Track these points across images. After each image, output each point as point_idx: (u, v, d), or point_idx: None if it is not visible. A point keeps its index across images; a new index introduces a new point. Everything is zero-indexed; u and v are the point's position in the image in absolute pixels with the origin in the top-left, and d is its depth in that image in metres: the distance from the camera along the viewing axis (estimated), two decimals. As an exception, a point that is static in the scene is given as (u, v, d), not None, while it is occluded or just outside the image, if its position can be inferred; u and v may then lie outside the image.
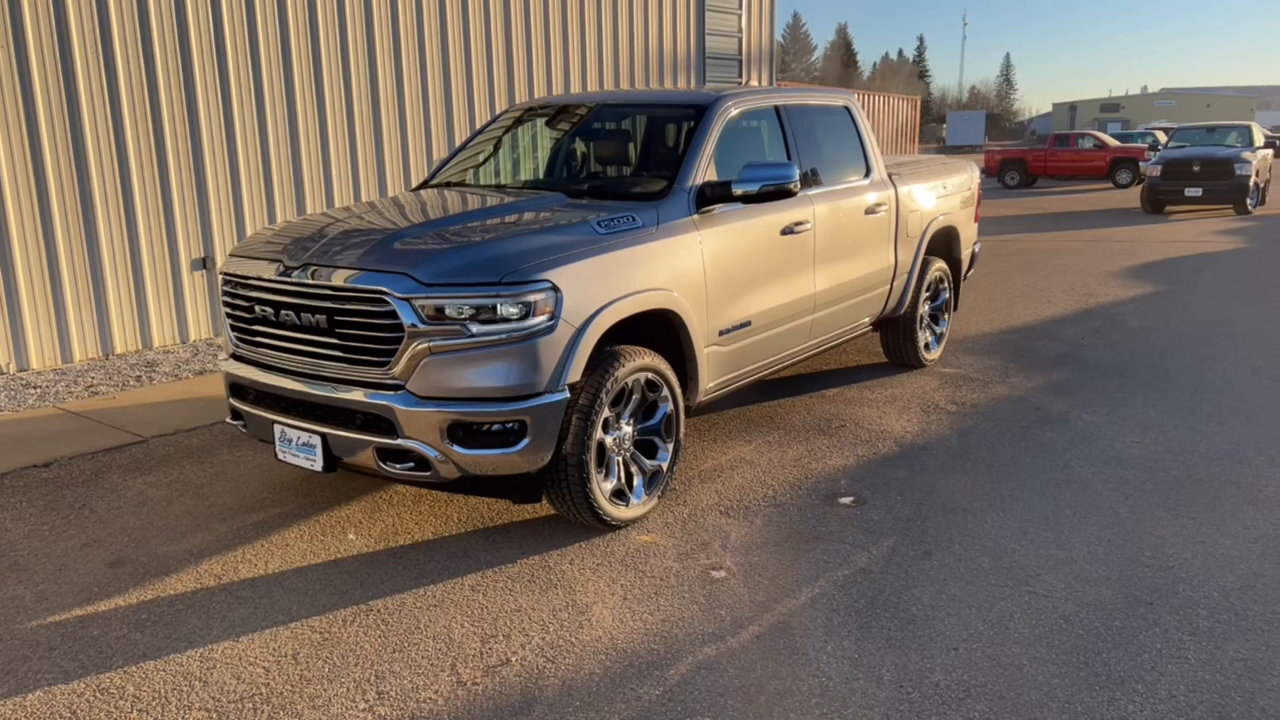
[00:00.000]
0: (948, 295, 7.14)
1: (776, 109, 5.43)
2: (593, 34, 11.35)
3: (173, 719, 2.94)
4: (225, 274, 4.31)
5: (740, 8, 13.52)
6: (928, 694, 3.01)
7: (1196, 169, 17.91)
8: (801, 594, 3.64)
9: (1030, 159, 28.31)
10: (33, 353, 7.02)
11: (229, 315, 4.33)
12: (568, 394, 3.82)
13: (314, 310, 3.86)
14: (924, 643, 3.30)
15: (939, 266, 6.88)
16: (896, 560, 3.91)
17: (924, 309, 6.80)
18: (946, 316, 7.18)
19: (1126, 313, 8.85)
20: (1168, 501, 4.48)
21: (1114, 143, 28.24)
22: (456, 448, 3.70)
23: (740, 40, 13.65)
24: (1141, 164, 24.85)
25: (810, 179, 5.46)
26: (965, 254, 7.38)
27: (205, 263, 7.97)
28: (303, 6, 8.35)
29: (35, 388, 6.58)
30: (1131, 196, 22.23)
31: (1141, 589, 3.65)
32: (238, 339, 4.31)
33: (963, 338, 7.82)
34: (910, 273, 6.51)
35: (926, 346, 6.91)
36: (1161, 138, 30.04)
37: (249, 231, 8.16)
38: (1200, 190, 17.81)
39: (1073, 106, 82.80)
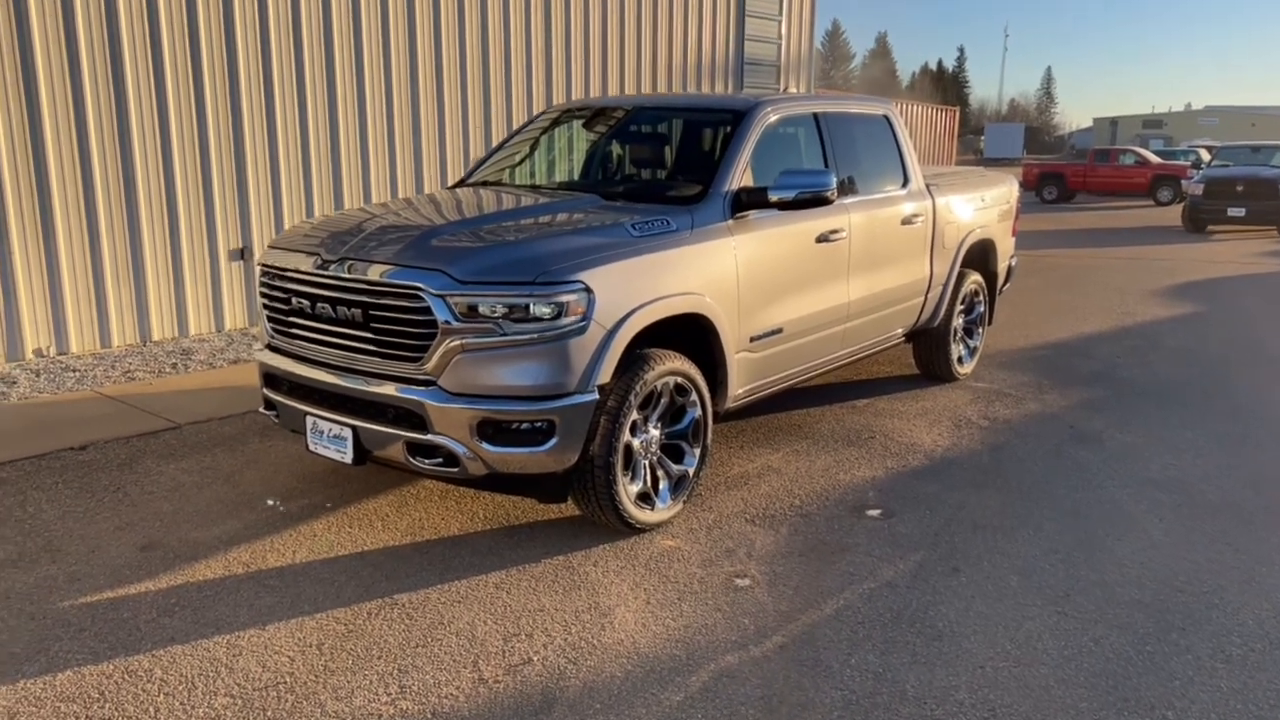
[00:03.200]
0: (983, 309, 7.07)
1: (815, 116, 5.41)
2: (631, 37, 11.37)
3: (198, 704, 2.97)
4: (263, 265, 4.36)
5: (780, 14, 13.49)
6: (952, 712, 2.97)
7: (1240, 188, 17.63)
8: (826, 605, 3.62)
9: (1069, 173, 27.98)
10: (73, 337, 7.13)
11: (265, 306, 4.38)
12: (597, 395, 3.82)
13: (349, 304, 3.89)
14: (950, 660, 3.26)
15: (974, 279, 6.81)
16: (923, 575, 3.88)
17: (958, 322, 6.74)
18: (981, 330, 7.11)
19: (1165, 332, 8.72)
20: (1203, 526, 4.40)
21: (1156, 159, 27.87)
22: (485, 445, 3.71)
23: (779, 47, 13.61)
24: (1184, 182, 24.47)
25: (847, 187, 5.43)
26: (1001, 267, 7.30)
27: (243, 253, 8.06)
28: (348, 3, 8.43)
29: (74, 371, 6.69)
30: (1172, 214, 21.90)
31: (1174, 614, 3.59)
32: (273, 330, 4.35)
33: (997, 352, 7.73)
34: (945, 285, 6.45)
35: (960, 360, 6.85)
36: (1205, 156, 29.56)
37: (287, 224, 8.24)
38: (1243, 210, 17.53)
39: (1114, 122, 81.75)
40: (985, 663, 3.24)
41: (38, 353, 6.98)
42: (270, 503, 4.11)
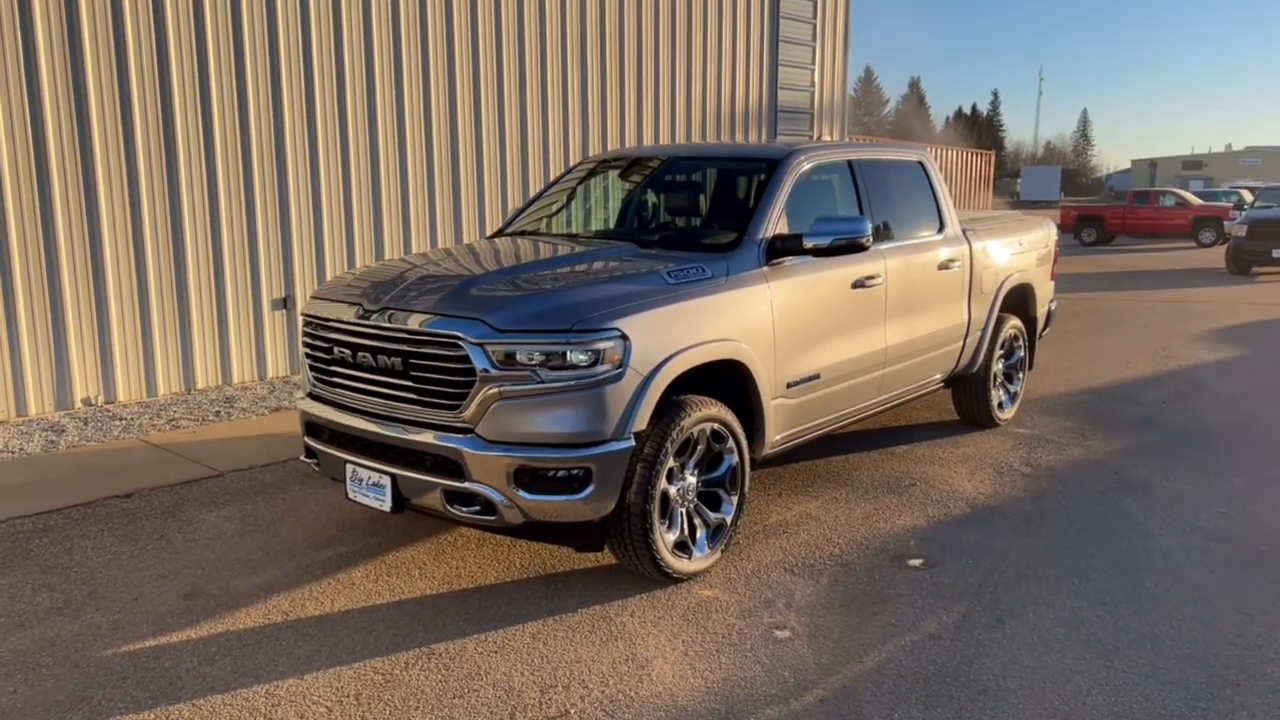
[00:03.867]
0: (1023, 353, 6.99)
1: (849, 163, 5.43)
2: (666, 87, 11.53)
3: (236, 754, 2.97)
4: (306, 315, 4.44)
5: (813, 63, 13.63)
6: (999, 769, 2.89)
7: (1285, 229, 17.34)
8: (868, 658, 3.55)
9: (1108, 216, 27.74)
10: (120, 386, 7.29)
11: (308, 355, 4.45)
12: (633, 442, 3.82)
13: (390, 353, 3.95)
14: (995, 716, 3.18)
15: (1014, 324, 6.75)
16: (967, 627, 3.80)
17: (998, 367, 6.67)
18: (1021, 375, 7.03)
19: (1210, 376, 8.55)
20: (1255, 576, 4.28)
21: (1196, 201, 27.54)
22: (522, 492, 3.72)
23: (812, 95, 13.73)
24: (1226, 223, 24.14)
25: (882, 233, 5.43)
26: (1041, 312, 7.23)
27: (286, 302, 8.22)
28: (389, 59, 8.66)
29: (120, 419, 6.82)
30: (1214, 256, 21.58)
31: (1228, 669, 3.48)
32: (315, 378, 4.42)
33: (1038, 397, 7.63)
34: (984, 330, 6.40)
35: (1000, 405, 6.76)
36: (1247, 197, 29.20)
37: (329, 273, 8.40)
38: (1289, 252, 17.22)
39: (1153, 163, 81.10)
40: (1033, 719, 3.16)
41: (86, 401, 7.14)
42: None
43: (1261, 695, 3.30)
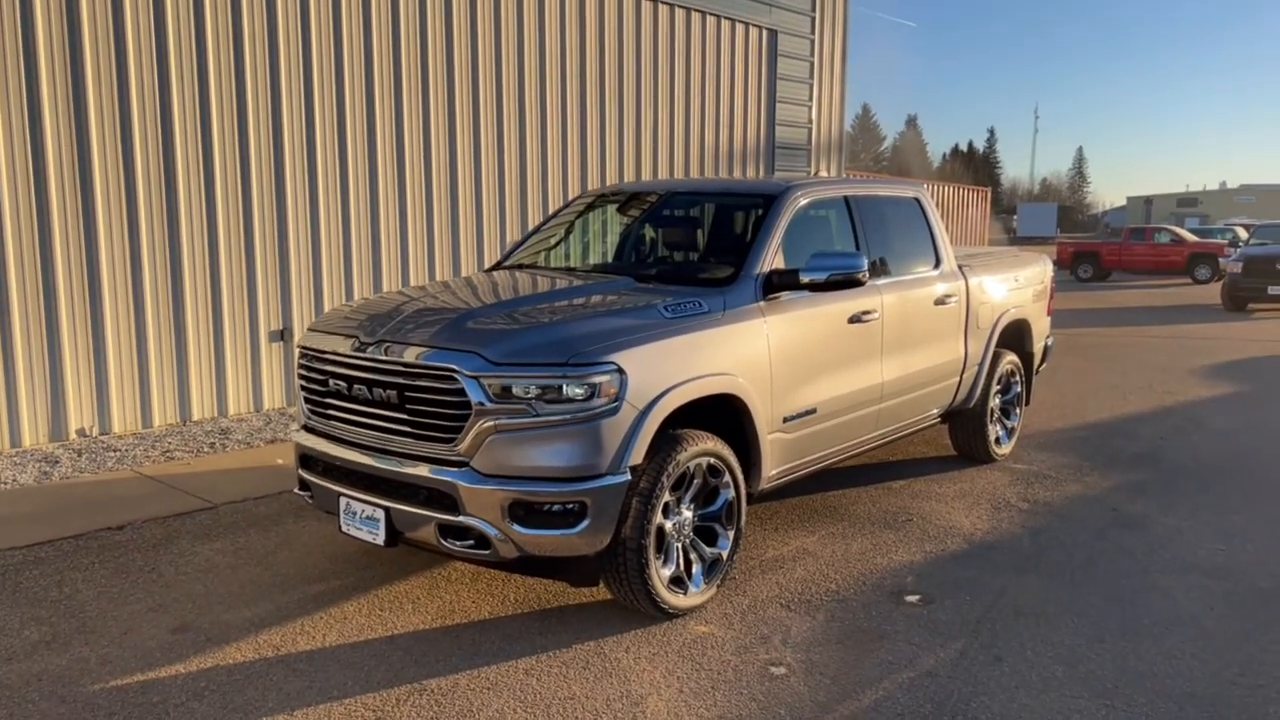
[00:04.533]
0: (1019, 389, 6.99)
1: (846, 199, 5.47)
2: (665, 124, 11.64)
3: (223, 792, 2.92)
4: (302, 347, 4.44)
5: (811, 100, 13.76)
6: (998, 810, 2.85)
7: (1280, 267, 17.44)
8: (865, 695, 3.51)
9: (1104, 252, 27.89)
10: (115, 417, 7.27)
11: (303, 387, 4.44)
12: (629, 476, 3.80)
13: (385, 385, 3.94)
14: (994, 754, 3.14)
15: (1010, 359, 6.76)
16: (965, 664, 3.76)
17: (995, 402, 6.66)
18: (1018, 410, 7.02)
19: (1208, 413, 8.55)
20: (1255, 614, 4.25)
21: (1192, 238, 27.71)
22: (517, 527, 3.70)
23: (810, 131, 13.86)
24: (1222, 260, 24.29)
25: (879, 268, 5.45)
26: (1038, 347, 7.25)
27: (283, 334, 8.22)
28: (389, 92, 8.75)
29: (115, 450, 6.79)
30: (1210, 293, 21.67)
31: (1229, 708, 3.44)
32: (310, 411, 4.41)
33: (1035, 433, 7.62)
34: (981, 365, 6.40)
35: (997, 441, 6.75)
36: (1242, 234, 29.37)
37: (327, 306, 8.42)
38: (1285, 289, 17.31)
39: (1148, 200, 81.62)
40: (1032, 758, 3.12)
41: (80, 432, 7.11)
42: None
43: (1263, 736, 3.26)
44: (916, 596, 4.42)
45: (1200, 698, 3.51)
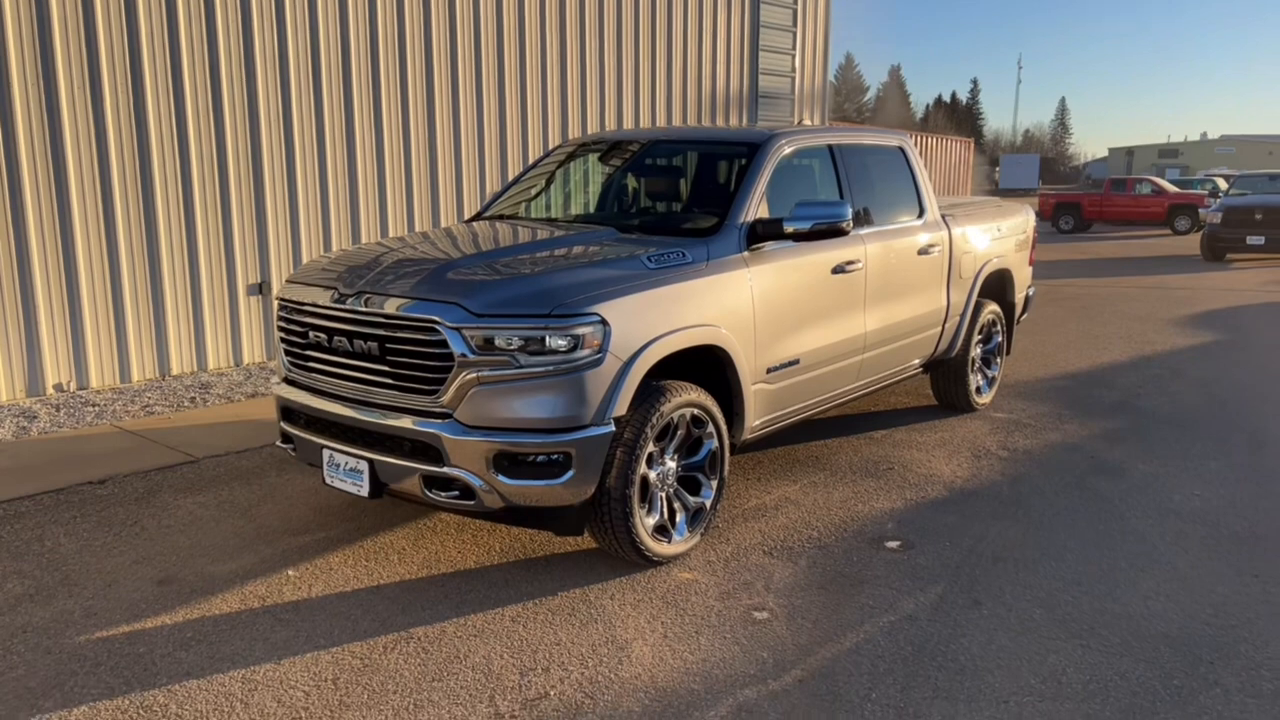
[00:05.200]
0: (1000, 339, 7.03)
1: (830, 148, 5.43)
2: (646, 72, 11.49)
3: (212, 739, 2.95)
4: (281, 299, 4.39)
5: (794, 48, 13.60)
6: (976, 748, 2.92)
7: (1259, 217, 17.55)
8: (846, 639, 3.57)
9: (1086, 203, 27.94)
10: (93, 372, 7.20)
11: (283, 340, 4.41)
12: (613, 427, 3.81)
13: (366, 337, 3.91)
14: (972, 694, 3.21)
15: (992, 309, 6.78)
16: (945, 608, 3.82)
17: (976, 352, 6.70)
18: (999, 360, 7.07)
19: (1185, 361, 8.64)
20: (1229, 557, 4.33)
21: (1172, 189, 27.79)
22: (501, 478, 3.70)
23: (793, 80, 13.72)
24: (1201, 211, 24.39)
25: (863, 218, 5.44)
26: (1019, 297, 7.27)
27: (261, 288, 8.14)
28: (364, 40, 8.57)
29: (93, 405, 6.74)
30: (1190, 243, 21.81)
31: (1202, 647, 3.52)
32: (290, 363, 4.38)
33: (1015, 382, 7.68)
34: (962, 315, 6.42)
35: (978, 390, 6.80)
36: (1222, 184, 29.49)
37: (305, 258, 8.32)
38: (1263, 239, 17.43)
39: (1129, 151, 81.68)
40: (1009, 697, 3.19)
41: (58, 387, 7.04)
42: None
43: (1236, 673, 3.34)
44: (897, 543, 4.47)
45: (1174, 638, 3.59)
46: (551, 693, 3.21)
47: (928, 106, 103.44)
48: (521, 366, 3.65)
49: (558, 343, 3.67)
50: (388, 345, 3.85)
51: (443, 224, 9.41)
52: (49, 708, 3.10)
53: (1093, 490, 5.20)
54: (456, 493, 3.80)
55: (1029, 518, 4.80)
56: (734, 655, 3.45)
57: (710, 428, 4.29)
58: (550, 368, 3.67)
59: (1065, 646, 3.52)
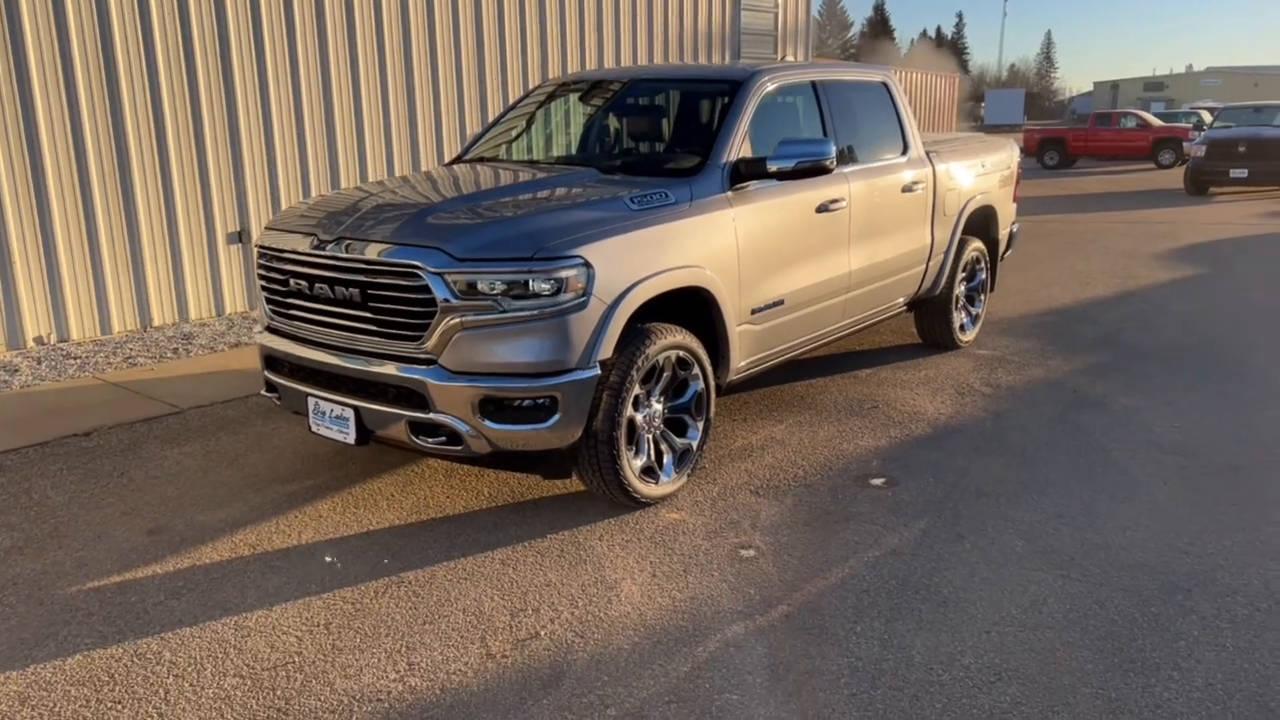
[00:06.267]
0: (984, 276, 7.04)
1: (813, 84, 5.36)
2: (627, 10, 11.26)
3: (208, 685, 2.98)
4: (260, 247, 4.34)
5: (777, -17, 13.35)
6: (958, 676, 2.99)
7: (1242, 149, 17.48)
8: (831, 574, 3.63)
9: (1070, 138, 27.78)
10: (73, 324, 7.13)
11: (264, 288, 4.36)
12: (599, 370, 3.81)
13: (347, 284, 3.88)
14: (955, 625, 3.27)
15: (976, 246, 6.78)
16: (928, 542, 3.88)
17: (960, 289, 6.71)
18: (983, 297, 7.08)
19: (1168, 296, 8.69)
20: (1208, 488, 4.40)
21: (1157, 122, 27.63)
22: (488, 422, 3.71)
23: (776, 16, 13.49)
24: (1185, 144, 24.28)
25: (846, 156, 5.39)
26: (1003, 234, 7.26)
27: (240, 236, 8.04)
28: (338, -20, 8.35)
29: (75, 358, 6.69)
30: (1174, 177, 21.76)
31: (1179, 575, 3.60)
32: (272, 312, 4.34)
33: (999, 319, 7.71)
34: (947, 252, 6.42)
35: (962, 328, 6.82)
36: (1207, 117, 29.33)
37: (284, 205, 8.21)
38: (1246, 171, 17.39)
39: (1115, 85, 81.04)
40: (991, 627, 3.25)
41: (39, 340, 6.98)
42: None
43: (1211, 600, 3.42)
44: (881, 479, 4.52)
45: (1152, 567, 3.66)
46: (542, 632, 3.25)
47: (912, 41, 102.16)
48: (505, 311, 3.64)
49: (541, 286, 3.64)
50: (369, 291, 3.82)
51: (423, 167, 9.29)
52: (43, 657, 3.13)
53: (1075, 424, 5.26)
54: (443, 438, 3.80)
55: (1011, 453, 4.85)
56: (721, 592, 3.50)
57: (696, 369, 4.29)
58: (534, 312, 3.65)
59: (1046, 578, 3.59)
